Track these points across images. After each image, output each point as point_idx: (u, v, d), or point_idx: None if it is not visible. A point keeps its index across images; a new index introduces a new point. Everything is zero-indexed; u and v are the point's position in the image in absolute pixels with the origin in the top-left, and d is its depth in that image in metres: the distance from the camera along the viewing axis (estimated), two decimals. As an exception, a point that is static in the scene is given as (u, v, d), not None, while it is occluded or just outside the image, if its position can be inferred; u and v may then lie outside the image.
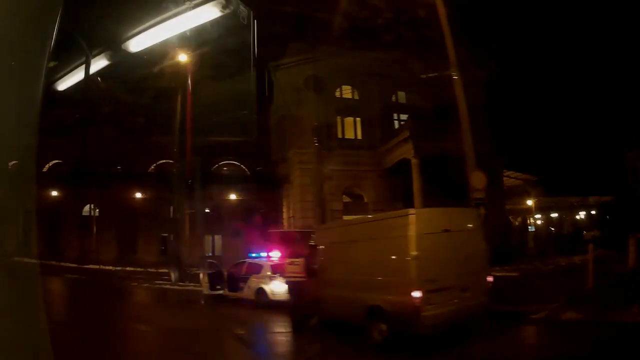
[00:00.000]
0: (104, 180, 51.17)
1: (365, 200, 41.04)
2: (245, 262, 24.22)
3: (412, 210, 13.22)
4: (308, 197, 39.57)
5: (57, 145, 50.85)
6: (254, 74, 33.83)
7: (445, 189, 31.96)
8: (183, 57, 31.96)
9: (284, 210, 46.96)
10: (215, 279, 24.63)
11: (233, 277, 24.01)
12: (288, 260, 18.86)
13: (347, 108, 42.40)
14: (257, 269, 22.89)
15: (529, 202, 60.11)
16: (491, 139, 39.07)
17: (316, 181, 39.19)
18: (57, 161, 55.32)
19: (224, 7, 12.61)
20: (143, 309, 24.13)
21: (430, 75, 24.48)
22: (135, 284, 34.32)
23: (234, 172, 54.85)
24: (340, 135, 41.81)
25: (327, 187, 39.35)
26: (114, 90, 39.29)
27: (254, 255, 24.53)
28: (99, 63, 15.21)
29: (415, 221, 12.78)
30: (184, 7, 12.76)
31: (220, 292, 24.37)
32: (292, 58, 41.48)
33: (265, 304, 21.30)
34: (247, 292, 22.72)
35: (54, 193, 52.24)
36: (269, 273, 22.12)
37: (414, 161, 35.02)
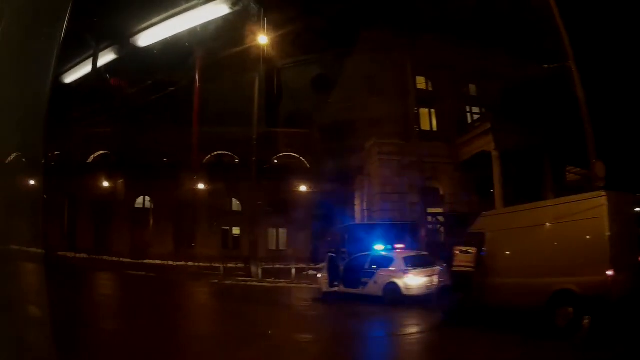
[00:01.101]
0: (157, 172, 50.88)
1: (442, 192, 41.90)
2: (367, 255, 22.94)
3: (603, 192, 13.63)
4: (388, 189, 40.21)
5: (104, 136, 51.92)
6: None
7: (525, 182, 33.77)
8: (263, 39, 30.69)
9: (356, 202, 47.70)
10: (335, 275, 23.49)
11: (352, 272, 22.91)
12: (457, 249, 17.41)
13: (422, 99, 42.60)
14: (385, 262, 21.80)
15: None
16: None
17: (396, 173, 39.94)
18: (103, 152, 55.56)
19: (233, 4, 13.25)
20: (275, 313, 21.88)
21: (549, 66, 24.50)
22: (216, 281, 33.25)
23: (293, 164, 54.39)
24: (417, 127, 41.78)
25: (406, 179, 39.76)
26: (164, 80, 38.93)
27: (377, 247, 23.23)
28: (107, 56, 16.05)
29: (607, 202, 13.14)
30: (194, 2, 13.30)
31: (335, 289, 23.36)
32: (364, 47, 41.76)
33: (396, 300, 20.16)
34: (372, 288, 21.59)
35: (103, 184, 52.23)
36: (402, 266, 21.02)
37: (494, 154, 35.56)
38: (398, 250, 22.75)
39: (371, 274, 21.73)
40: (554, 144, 33.92)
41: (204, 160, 54.37)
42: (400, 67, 40.76)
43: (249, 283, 31.37)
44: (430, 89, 43.43)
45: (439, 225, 40.65)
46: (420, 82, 43.34)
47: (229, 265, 41.10)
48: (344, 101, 43.57)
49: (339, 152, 45.87)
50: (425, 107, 42.72)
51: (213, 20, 14.93)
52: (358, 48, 41.72)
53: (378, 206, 40.55)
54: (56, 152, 54.21)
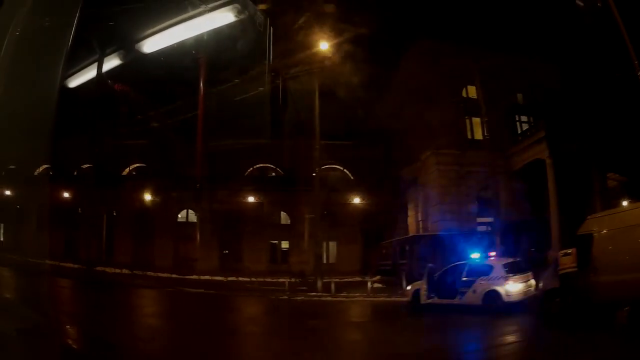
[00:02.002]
0: (199, 184, 50.80)
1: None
2: (464, 264, 23.29)
3: None
4: (446, 199, 41.49)
5: (139, 148, 52.98)
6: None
7: (579, 190, 34.69)
8: (324, 46, 31.94)
9: (410, 213, 48.81)
10: (433, 286, 23.60)
11: (447, 282, 23.26)
12: (561, 252, 18.53)
13: (473, 109, 43.63)
14: (484, 270, 22.15)
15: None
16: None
17: (454, 183, 41.32)
18: (139, 164, 56.79)
19: (239, 13, 13.02)
20: (379, 330, 20.92)
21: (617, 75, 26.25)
22: (285, 297, 32.83)
23: (337, 176, 55.22)
24: (469, 136, 43.79)
25: (462, 189, 41.44)
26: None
27: (474, 256, 23.63)
28: (111, 62, 15.72)
29: None
30: (199, 10, 13.20)
31: (429, 300, 23.54)
32: (420, 56, 43.40)
33: (497, 308, 20.45)
34: (470, 298, 21.88)
35: (143, 198, 52.76)
36: (502, 273, 21.39)
37: (548, 162, 36.57)
38: (492, 258, 23.33)
39: (470, 283, 22.08)
40: (602, 151, 35.00)
41: (246, 173, 55.52)
42: (452, 76, 42.32)
43: (323, 298, 31.31)
44: (481, 98, 43.52)
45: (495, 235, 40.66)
46: (471, 91, 44.43)
47: (270, 280, 42.39)
48: (393, 111, 44.52)
49: (389, 164, 46.64)
50: (477, 117, 43.50)
51: (219, 28, 15.31)
52: (409, 57, 43.51)
53: (437, 216, 41.80)
54: (88, 165, 56.37)
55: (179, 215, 55.44)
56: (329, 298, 30.91)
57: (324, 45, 31.60)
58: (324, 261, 49.39)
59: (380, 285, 34.18)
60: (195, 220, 53.87)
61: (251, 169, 56.09)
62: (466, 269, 22.69)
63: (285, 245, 54.11)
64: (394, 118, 44.61)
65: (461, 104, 43.11)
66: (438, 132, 41.73)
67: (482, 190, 41.79)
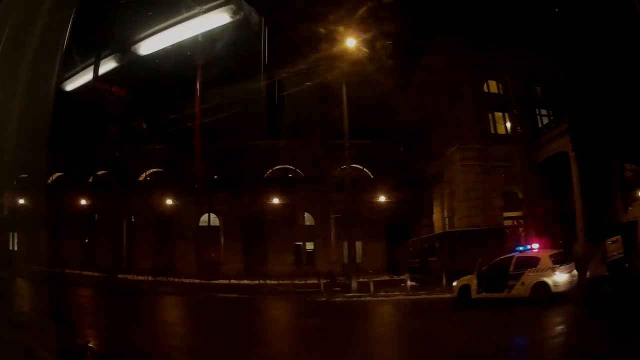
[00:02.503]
0: (220, 188, 52.75)
1: (520, 196, 43.42)
2: (511, 257, 23.85)
3: None
4: (472, 195, 42.29)
5: (158, 153, 53.74)
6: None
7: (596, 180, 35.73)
8: (351, 43, 32.18)
9: (435, 210, 49.49)
10: (483, 280, 23.99)
11: (495, 276, 23.63)
12: (609, 240, 18.84)
13: (495, 103, 44.88)
14: (532, 262, 22.69)
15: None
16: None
17: (479, 178, 42.13)
18: (156, 169, 57.54)
19: (234, 14, 13.34)
20: (427, 327, 20.39)
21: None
22: (324, 298, 32.51)
23: (358, 175, 54.22)
24: (492, 131, 44.55)
25: (487, 183, 42.17)
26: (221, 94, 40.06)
27: (521, 249, 24.57)
28: (108, 65, 16.33)
29: None
30: (194, 11, 13.52)
31: (479, 295, 23.98)
32: (440, 51, 43.93)
33: (545, 299, 21.02)
34: (519, 290, 22.40)
35: (164, 203, 53.57)
36: (549, 264, 22.03)
37: (572, 154, 37.65)
38: (535, 250, 23.86)
39: (518, 276, 22.58)
40: (623, 143, 35.49)
41: (265, 175, 56.04)
42: (473, 71, 43.42)
43: (362, 298, 31.04)
44: (501, 92, 45.08)
45: (521, 229, 42.06)
46: (492, 86, 45.46)
47: (299, 282, 42.66)
48: (414, 108, 45.77)
49: (411, 161, 47.19)
50: (499, 111, 44.76)
51: (214, 29, 15.54)
52: (429, 53, 44.23)
53: (464, 212, 42.72)
54: (103, 172, 57.26)
55: (201, 219, 54.97)
56: (369, 298, 30.86)
57: (351, 42, 32.11)
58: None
59: (413, 283, 34.30)
60: (217, 224, 54.24)
61: (270, 170, 56.59)
62: (514, 261, 23.23)
63: (310, 246, 54.72)
64: (414, 115, 46.01)
65: (483, 98, 44.00)
66: (462, 127, 42.71)
67: (507, 184, 42.77)
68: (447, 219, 46.04)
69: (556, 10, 36.12)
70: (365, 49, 32.64)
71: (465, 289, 24.47)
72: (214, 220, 54.72)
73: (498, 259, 24.58)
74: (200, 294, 38.65)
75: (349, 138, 37.96)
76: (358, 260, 50.40)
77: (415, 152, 49.21)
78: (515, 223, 42.65)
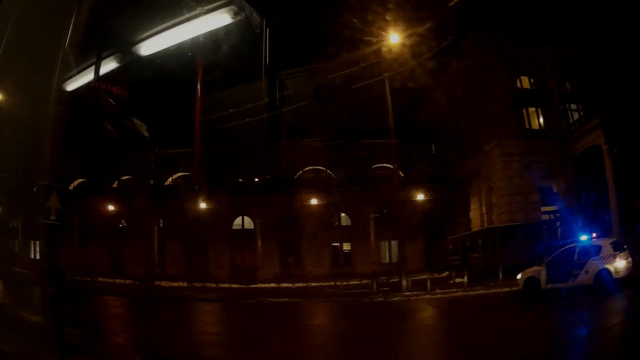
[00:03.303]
0: (250, 190, 53.74)
1: (555, 190, 44.40)
2: (574, 247, 24.36)
3: None
4: (512, 190, 43.39)
5: (184, 157, 52.52)
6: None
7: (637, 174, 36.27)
8: (395, 38, 32.64)
9: (472, 207, 50.62)
10: (551, 271, 24.58)
11: (559, 266, 24.27)
12: None
13: (528, 98, 45.94)
14: (595, 250, 23.46)
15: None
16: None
17: (517, 173, 43.08)
18: (183, 173, 57.61)
19: (235, 14, 12.76)
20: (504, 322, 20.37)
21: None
22: (381, 298, 32.53)
23: (389, 175, 54.17)
24: (527, 126, 45.65)
25: (525, 179, 43.11)
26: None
27: (582, 238, 24.59)
28: (108, 65, 15.54)
29: None
30: (195, 12, 13.03)
31: (548, 285, 24.64)
32: (473, 48, 45.10)
33: (608, 286, 21.76)
34: (583, 278, 23.17)
35: (192, 207, 52.79)
36: (611, 252, 22.91)
37: (604, 148, 38.42)
38: (595, 239, 24.63)
39: (581, 265, 23.33)
40: None
41: (296, 176, 56.75)
42: (506, 67, 44.62)
43: (421, 297, 31.44)
44: (533, 87, 46.39)
45: (557, 223, 43.26)
46: (524, 82, 46.73)
47: (340, 283, 43.70)
48: (446, 106, 45.99)
49: (445, 159, 47.95)
50: (532, 106, 45.82)
51: (215, 30, 15.55)
52: (462, 50, 44.80)
53: (503, 208, 43.90)
54: (127, 177, 58.46)
55: (234, 223, 55.93)
56: (427, 295, 31.31)
57: (395, 38, 32.55)
58: (387, 260, 52.10)
59: (462, 279, 34.63)
60: (252, 227, 54.78)
61: (300, 172, 57.22)
62: (577, 251, 23.93)
63: (347, 247, 54.91)
64: (446, 113, 46.36)
65: (516, 94, 45.08)
66: (499, 123, 43.98)
67: (543, 179, 43.88)
68: (485, 216, 47.22)
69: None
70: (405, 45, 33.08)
71: (531, 280, 25.23)
72: (250, 224, 55.16)
73: (561, 249, 25.06)
74: (246, 299, 38.03)
75: (382, 137, 38.89)
76: (395, 259, 50.71)
77: (449, 149, 50.40)
78: (552, 217, 43.95)
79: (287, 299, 35.98)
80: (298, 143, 51.94)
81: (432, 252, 50.45)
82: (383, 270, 44.82)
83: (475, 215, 49.66)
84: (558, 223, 43.10)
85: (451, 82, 45.36)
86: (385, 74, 35.69)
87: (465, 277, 33.19)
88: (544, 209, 43.67)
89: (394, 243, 52.10)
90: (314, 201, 53.24)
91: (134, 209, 54.10)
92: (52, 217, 11.19)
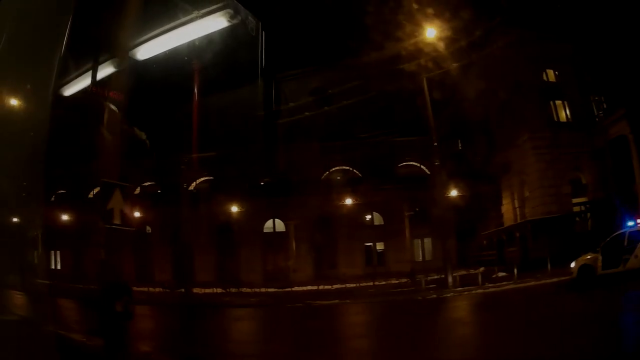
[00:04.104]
0: (280, 192, 53.94)
1: (584, 181, 46.22)
2: (623, 233, 25.57)
3: None
4: (545, 183, 44.66)
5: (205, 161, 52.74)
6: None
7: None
8: (431, 33, 33.05)
9: (504, 202, 51.91)
10: (606, 258, 25.56)
11: (611, 252, 25.36)
12: None
13: (554, 91, 47.36)
14: None
15: None
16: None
17: (549, 166, 44.42)
18: (208, 177, 57.84)
19: (231, 17, 13.10)
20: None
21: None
22: (434, 295, 32.63)
23: (416, 172, 56.77)
24: (555, 119, 47.10)
25: (557, 171, 44.65)
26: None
27: (631, 225, 26.48)
28: (105, 70, 15.20)
29: None
30: (191, 16, 13.28)
31: (604, 271, 25.57)
32: (500, 43, 44.71)
33: None
34: (633, 263, 24.29)
35: (220, 211, 53.91)
36: None
37: (630, 137, 40.25)
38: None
39: (631, 250, 24.52)
40: None
41: (322, 177, 57.40)
42: (534, 61, 45.75)
43: (474, 291, 31.97)
44: (559, 80, 47.77)
45: (588, 214, 44.82)
46: (550, 75, 48.14)
47: (379, 283, 44.69)
48: (473, 102, 46.66)
49: (472, 154, 49.42)
50: (559, 99, 47.26)
51: (212, 33, 15.18)
52: (489, 45, 44.43)
53: (536, 201, 45.26)
54: (150, 182, 59.44)
55: (265, 226, 56.65)
56: (480, 290, 31.86)
57: (431, 32, 32.98)
58: (420, 258, 53.08)
59: (504, 273, 36.50)
60: (283, 230, 55.45)
61: (327, 172, 57.75)
62: (626, 237, 25.16)
63: (380, 246, 55.48)
64: (477, 108, 47.41)
65: (543, 87, 46.55)
66: (529, 116, 45.52)
67: (572, 171, 45.41)
68: (517, 210, 48.47)
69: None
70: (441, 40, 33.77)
71: (586, 268, 26.07)
72: (281, 226, 55.91)
73: (612, 235, 26.13)
74: (292, 303, 36.65)
75: (396, 136, 39.82)
76: (428, 257, 52.79)
77: (477, 145, 50.17)
78: (583, 208, 45.24)
79: (337, 301, 35.60)
80: (320, 143, 53.45)
81: (466, 248, 50.96)
82: (418, 269, 46.08)
83: (508, 209, 50.85)
84: (588, 214, 44.46)
85: (481, 76, 45.10)
86: (425, 74, 36.36)
87: (515, 270, 33.59)
88: (574, 200, 44.91)
89: (426, 241, 53.75)
90: (344, 201, 53.79)
91: (156, 215, 55.23)
92: (116, 221, 10.99)
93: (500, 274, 36.71)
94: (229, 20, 12.71)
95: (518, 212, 48.42)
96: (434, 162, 39.19)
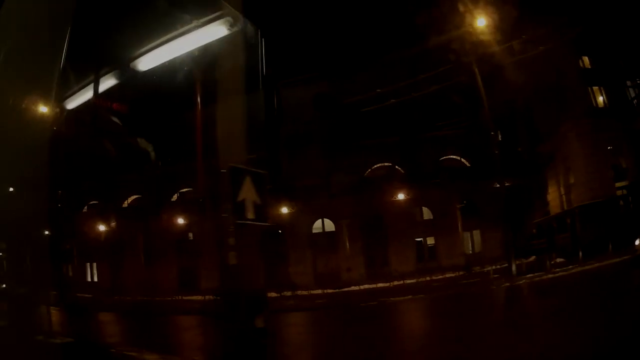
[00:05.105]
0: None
1: (624, 165, 48.15)
2: None
3: None
4: (590, 169, 46.59)
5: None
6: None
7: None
8: (481, 22, 35.01)
9: (550, 190, 53.57)
10: None
11: None
12: None
13: (591, 77, 49.53)
14: None
15: None
16: None
17: (593, 152, 46.26)
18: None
19: (231, 26, 12.18)
20: None
21: None
22: (507, 284, 33.54)
23: (456, 165, 59.38)
24: (594, 105, 49.24)
25: (600, 157, 46.61)
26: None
27: None
28: (107, 82, 14.66)
29: None
30: (191, 25, 12.55)
31: None
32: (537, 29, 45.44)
33: None
34: None
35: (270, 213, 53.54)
36: None
37: None
38: None
39: None
40: None
41: (365, 174, 59.35)
42: (568, 47, 46.66)
43: (544, 277, 33.50)
44: (594, 66, 49.89)
45: (629, 198, 46.45)
46: (585, 61, 50.22)
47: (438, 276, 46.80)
48: (511, 91, 48.04)
49: (514, 145, 52.28)
50: (595, 85, 49.38)
51: (211, 42, 15.80)
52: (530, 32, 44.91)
53: (584, 186, 46.85)
54: (187, 189, 60.35)
55: (314, 226, 58.32)
56: (550, 275, 33.55)
57: (481, 22, 35.07)
58: (470, 251, 55.23)
59: (560, 259, 38.88)
60: (332, 229, 57.25)
61: (369, 170, 59.53)
62: None
63: (430, 241, 57.07)
64: (520, 97, 49.95)
65: (582, 73, 48.75)
66: (571, 103, 47.27)
67: (614, 155, 47.52)
68: (564, 196, 50.02)
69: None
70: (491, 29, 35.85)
71: None
72: (330, 226, 57.63)
73: None
74: (365, 302, 36.32)
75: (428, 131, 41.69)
76: (478, 249, 55.05)
77: (519, 135, 53.09)
78: (625, 192, 46.83)
79: (410, 296, 36.05)
80: (360, 142, 55.26)
81: (517, 238, 48.17)
82: (471, 261, 49.39)
83: (554, 197, 52.31)
84: (629, 197, 46.02)
85: (522, 65, 45.23)
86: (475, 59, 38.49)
87: (580, 253, 35.81)
88: (619, 185, 46.74)
89: (475, 233, 55.89)
90: (392, 197, 55.38)
91: (197, 221, 56.54)
92: (249, 216, 9.31)
93: (558, 260, 38.70)
94: (228, 29, 12.01)
95: (564, 199, 49.85)
96: (493, 152, 41.06)
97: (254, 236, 9.17)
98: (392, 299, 35.76)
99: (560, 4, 43.32)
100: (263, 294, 9.68)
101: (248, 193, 8.80)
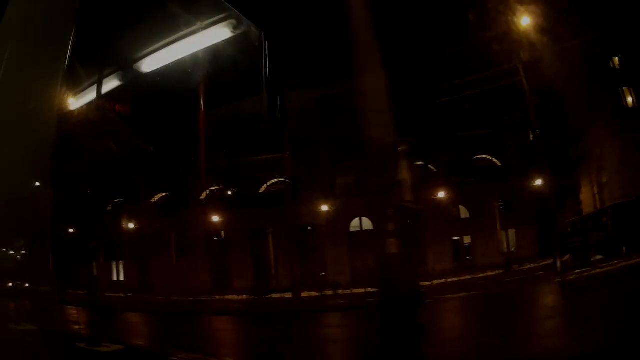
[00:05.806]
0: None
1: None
2: None
3: None
4: (622, 167, 48.12)
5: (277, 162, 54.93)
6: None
7: None
8: (525, 21, 35.95)
9: (583, 190, 55.38)
10: None
11: None
12: None
13: (621, 78, 51.40)
14: None
15: None
16: None
17: (625, 150, 47.79)
18: (278, 179, 60.21)
19: (235, 28, 12.41)
20: None
21: None
22: (559, 279, 34.82)
23: (486, 165, 61.56)
24: (625, 105, 51.29)
25: (632, 155, 47.55)
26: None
27: None
28: (110, 83, 14.89)
29: None
30: (194, 27, 12.59)
31: None
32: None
33: None
34: None
35: (300, 212, 55.32)
36: None
37: None
38: None
39: None
40: None
41: None
42: (599, 47, 47.72)
43: (592, 272, 35.65)
44: (623, 67, 51.75)
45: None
46: (615, 62, 52.26)
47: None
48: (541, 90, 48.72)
49: (546, 145, 51.91)
50: (625, 86, 51.26)
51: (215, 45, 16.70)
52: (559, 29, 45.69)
53: (617, 184, 48.44)
54: (216, 187, 62.73)
55: (351, 225, 59.32)
56: (598, 270, 35.53)
57: (526, 21, 35.87)
58: (506, 250, 56.75)
59: (600, 256, 40.48)
60: (371, 228, 56.47)
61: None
62: None
63: (467, 240, 58.64)
64: (552, 98, 50.68)
65: (611, 74, 50.88)
66: (601, 105, 48.84)
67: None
68: (597, 195, 51.73)
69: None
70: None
71: None
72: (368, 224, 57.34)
73: None
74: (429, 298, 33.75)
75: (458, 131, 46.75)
76: (513, 248, 56.59)
77: (551, 135, 53.02)
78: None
79: (464, 294, 38.19)
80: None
81: (552, 237, 49.07)
82: (509, 260, 50.88)
83: (587, 196, 53.96)
84: None
85: (554, 66, 47.22)
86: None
87: (624, 248, 37.00)
88: None
89: (510, 232, 57.33)
90: (430, 196, 55.42)
91: (228, 218, 58.56)
92: (407, 198, 9.60)
93: (598, 257, 40.36)
94: (232, 32, 12.30)
95: (597, 198, 51.42)
96: (534, 152, 44.11)
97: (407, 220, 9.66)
98: (445, 296, 36.85)
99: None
100: (419, 285, 10.20)
101: (405, 173, 9.36)
